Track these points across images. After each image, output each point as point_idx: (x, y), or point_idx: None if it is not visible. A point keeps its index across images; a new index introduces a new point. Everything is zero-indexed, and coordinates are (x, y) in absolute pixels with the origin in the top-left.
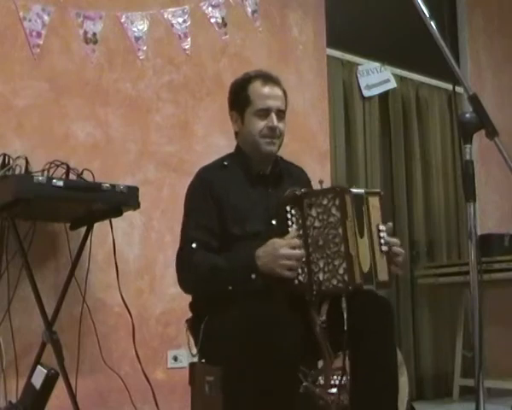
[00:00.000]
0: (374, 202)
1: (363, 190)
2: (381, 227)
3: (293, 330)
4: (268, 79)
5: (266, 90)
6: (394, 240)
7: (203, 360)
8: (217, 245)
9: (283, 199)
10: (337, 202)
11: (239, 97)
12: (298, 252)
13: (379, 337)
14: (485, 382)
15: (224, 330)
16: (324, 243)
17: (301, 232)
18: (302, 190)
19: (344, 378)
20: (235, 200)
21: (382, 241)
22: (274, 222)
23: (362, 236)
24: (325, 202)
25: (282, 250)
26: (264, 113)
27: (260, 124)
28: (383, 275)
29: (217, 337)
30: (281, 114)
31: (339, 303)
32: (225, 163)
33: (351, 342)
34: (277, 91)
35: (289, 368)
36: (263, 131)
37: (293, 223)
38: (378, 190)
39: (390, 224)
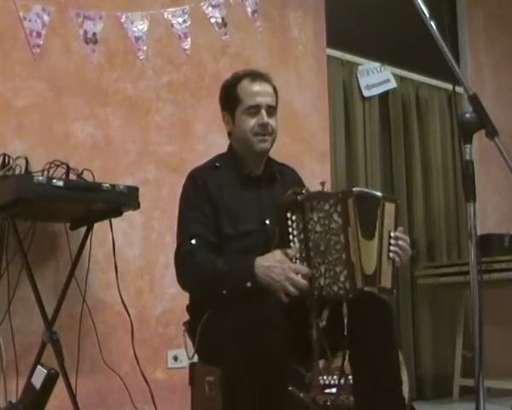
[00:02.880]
0: (389, 209)
1: (380, 194)
2: (393, 234)
3: (285, 333)
4: (256, 76)
5: (255, 87)
6: (404, 236)
7: (201, 362)
8: (215, 241)
9: (283, 204)
10: (339, 209)
11: (229, 98)
12: (304, 282)
13: (379, 339)
14: (485, 382)
15: (220, 332)
16: (326, 249)
17: (302, 237)
18: (303, 191)
19: (342, 379)
20: (228, 201)
21: (391, 247)
22: (267, 222)
23: (370, 238)
24: (327, 207)
25: (291, 274)
26: (254, 110)
27: (251, 121)
28: (386, 281)
29: (213, 340)
30: (271, 110)
31: (339, 307)
32: (217, 164)
33: (351, 343)
34: (267, 88)
35: (280, 370)
36: (254, 129)
37: (293, 229)
38: (396, 198)
39: (401, 228)
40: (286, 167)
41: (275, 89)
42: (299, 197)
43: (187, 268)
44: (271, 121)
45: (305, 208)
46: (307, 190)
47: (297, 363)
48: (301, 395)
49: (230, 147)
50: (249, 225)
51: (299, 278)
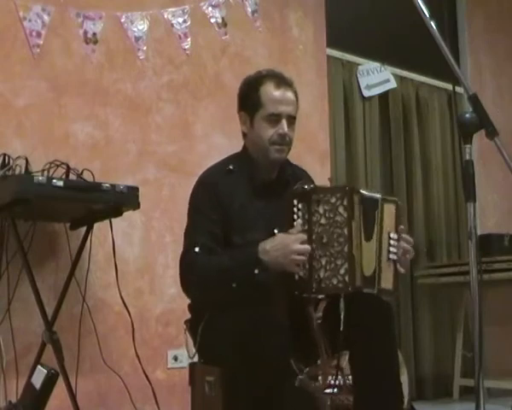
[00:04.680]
0: (389, 209)
1: (379, 195)
2: (393, 235)
3: (285, 332)
4: (281, 81)
5: (279, 94)
6: (407, 237)
7: (201, 361)
8: (220, 251)
9: (292, 193)
10: (345, 202)
11: (249, 98)
12: (307, 247)
13: (379, 340)
14: (485, 382)
15: (220, 332)
16: (328, 241)
17: (306, 227)
18: (311, 185)
19: (340, 378)
20: (239, 209)
21: (391, 249)
22: (276, 231)
23: (369, 239)
24: (333, 200)
25: (293, 246)
26: (276, 118)
27: (270, 130)
28: (387, 283)
29: (213, 340)
30: (291, 120)
31: (338, 303)
32: (231, 167)
33: (350, 344)
34: (290, 96)
35: (280, 370)
36: (273, 138)
37: (298, 217)
38: (395, 199)
39: (402, 226)
40: (299, 169)
41: (296, 95)
42: (306, 187)
43: (192, 275)
44: (290, 132)
45: (312, 200)
46: (315, 185)
47: (296, 359)
48: (313, 385)
49: (245, 148)
50: (257, 234)
51: (302, 246)
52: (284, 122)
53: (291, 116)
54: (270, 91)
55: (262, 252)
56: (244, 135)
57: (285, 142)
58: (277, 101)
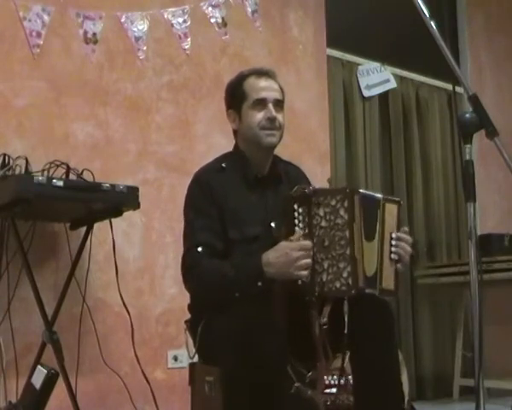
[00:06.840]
0: (391, 209)
1: (381, 195)
2: (394, 235)
3: (285, 333)
4: (262, 73)
5: (261, 82)
6: (406, 236)
7: (201, 361)
8: (222, 247)
9: (291, 196)
10: (345, 204)
11: (235, 95)
12: (308, 252)
13: (380, 340)
14: (485, 382)
15: (220, 333)
16: (330, 244)
17: (307, 231)
18: (311, 187)
19: (342, 379)
20: (234, 204)
21: (393, 249)
22: (273, 225)
23: (371, 239)
24: (333, 202)
25: (295, 254)
26: (261, 103)
27: (258, 116)
28: (389, 283)
29: (213, 340)
30: (279, 103)
31: (340, 306)
32: (223, 165)
33: (351, 344)
34: (272, 83)
35: (279, 371)
36: (262, 123)
37: (299, 221)
38: (398, 199)
39: (406, 228)
40: (291, 166)
41: (281, 87)
42: (306, 190)
43: (194, 278)
44: (279, 116)
45: (312, 203)
46: (313, 186)
47: (298, 362)
48: (309, 392)
49: (236, 146)
50: (254, 228)
51: (304, 253)
52: (271, 106)
53: (277, 100)
54: (253, 82)
55: (266, 264)
56: (235, 133)
57: (275, 126)
58: (260, 88)
